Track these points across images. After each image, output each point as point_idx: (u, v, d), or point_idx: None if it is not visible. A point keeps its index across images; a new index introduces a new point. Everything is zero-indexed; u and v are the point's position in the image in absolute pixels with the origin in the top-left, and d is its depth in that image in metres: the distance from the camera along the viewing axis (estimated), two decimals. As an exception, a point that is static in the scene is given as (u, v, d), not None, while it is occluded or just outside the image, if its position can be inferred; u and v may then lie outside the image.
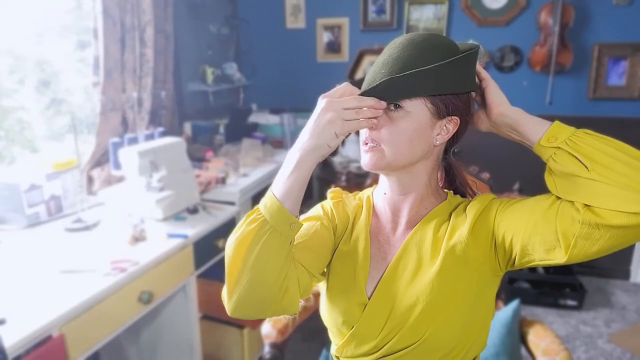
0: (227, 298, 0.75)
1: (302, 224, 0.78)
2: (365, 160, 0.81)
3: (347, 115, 0.72)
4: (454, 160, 0.93)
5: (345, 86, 0.76)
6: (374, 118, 0.76)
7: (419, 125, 0.78)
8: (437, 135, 0.81)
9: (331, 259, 0.90)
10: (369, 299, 0.85)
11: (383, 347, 0.83)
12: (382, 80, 0.75)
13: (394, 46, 0.79)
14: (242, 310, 0.75)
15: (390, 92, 0.76)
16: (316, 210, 0.94)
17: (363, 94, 0.76)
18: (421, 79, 0.74)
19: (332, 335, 0.92)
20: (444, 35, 0.82)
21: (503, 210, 0.78)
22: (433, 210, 0.86)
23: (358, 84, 0.83)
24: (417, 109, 0.77)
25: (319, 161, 0.74)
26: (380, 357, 0.84)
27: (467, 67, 0.79)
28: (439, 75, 0.75)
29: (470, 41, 2.90)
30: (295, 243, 0.79)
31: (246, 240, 0.72)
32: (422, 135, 0.79)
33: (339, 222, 0.91)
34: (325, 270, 0.90)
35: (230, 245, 0.73)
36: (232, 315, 0.76)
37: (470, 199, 0.91)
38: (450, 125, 0.81)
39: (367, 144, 0.80)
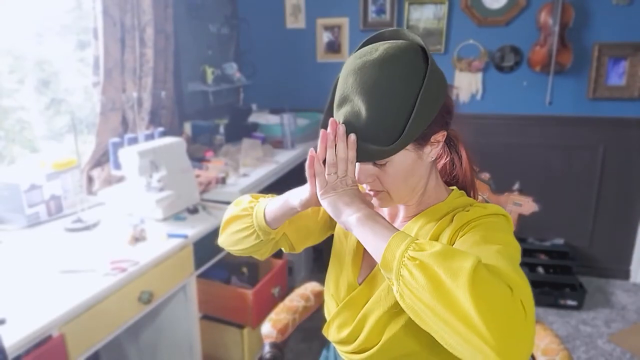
0: (219, 235, 0.99)
1: (274, 232, 0.91)
2: (376, 204, 0.84)
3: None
4: (455, 138, 0.91)
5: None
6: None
7: (407, 165, 0.78)
8: (429, 154, 0.80)
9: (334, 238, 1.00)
10: (359, 284, 0.89)
11: (356, 339, 0.87)
12: (360, 159, 0.76)
13: (349, 91, 0.74)
14: (225, 248, 0.99)
15: (365, 158, 0.75)
16: None
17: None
18: (393, 147, 0.73)
19: (325, 310, 0.98)
20: (398, 41, 0.77)
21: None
22: (426, 210, 0.85)
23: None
24: (398, 155, 0.76)
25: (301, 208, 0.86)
26: (354, 352, 0.88)
27: (436, 86, 0.74)
28: (407, 133, 0.72)
29: (472, 41, 2.91)
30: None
31: (235, 218, 0.94)
32: (414, 169, 0.79)
33: None
34: (303, 246, 1.02)
35: (228, 214, 0.96)
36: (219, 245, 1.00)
37: (472, 200, 0.89)
38: (438, 139, 0.79)
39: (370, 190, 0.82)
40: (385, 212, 0.92)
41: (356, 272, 0.90)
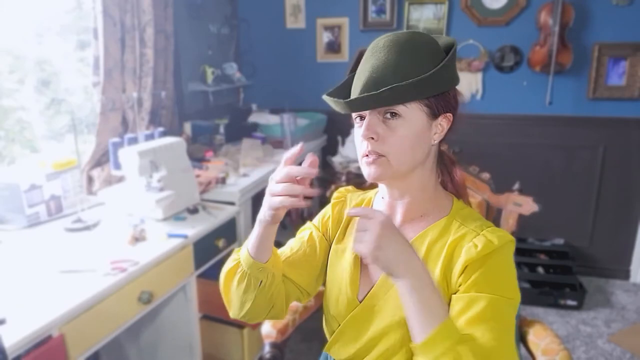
0: (228, 310, 0.92)
1: (268, 266, 0.85)
2: (370, 172, 0.80)
3: (275, 191, 0.76)
4: (449, 160, 0.91)
5: (288, 169, 0.76)
6: (302, 196, 0.75)
7: (418, 129, 0.79)
8: (434, 134, 0.82)
9: (329, 255, 0.96)
10: (360, 301, 0.87)
11: (363, 359, 0.85)
12: (385, 89, 0.74)
13: (380, 48, 0.79)
14: (240, 319, 0.92)
15: (391, 100, 0.76)
16: (307, 225, 1.00)
17: (360, 99, 0.76)
18: (421, 84, 0.75)
19: (325, 327, 0.96)
20: (424, 33, 0.84)
21: (461, 303, 0.75)
22: (434, 223, 0.84)
23: (343, 90, 0.85)
24: (413, 113, 0.78)
25: (268, 224, 0.81)
26: None
27: (453, 64, 0.81)
28: (434, 79, 0.76)
29: (472, 41, 2.91)
30: (285, 259, 0.93)
31: (229, 276, 0.88)
32: (422, 138, 0.80)
33: (331, 224, 0.97)
34: (317, 286, 0.98)
35: (221, 276, 0.91)
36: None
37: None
38: (444, 123, 0.82)
39: (368, 155, 0.79)
40: (384, 211, 0.90)
41: (355, 290, 0.88)
